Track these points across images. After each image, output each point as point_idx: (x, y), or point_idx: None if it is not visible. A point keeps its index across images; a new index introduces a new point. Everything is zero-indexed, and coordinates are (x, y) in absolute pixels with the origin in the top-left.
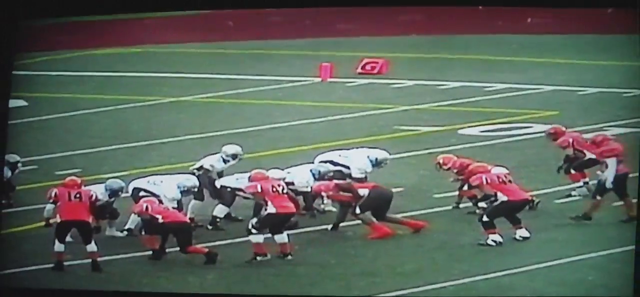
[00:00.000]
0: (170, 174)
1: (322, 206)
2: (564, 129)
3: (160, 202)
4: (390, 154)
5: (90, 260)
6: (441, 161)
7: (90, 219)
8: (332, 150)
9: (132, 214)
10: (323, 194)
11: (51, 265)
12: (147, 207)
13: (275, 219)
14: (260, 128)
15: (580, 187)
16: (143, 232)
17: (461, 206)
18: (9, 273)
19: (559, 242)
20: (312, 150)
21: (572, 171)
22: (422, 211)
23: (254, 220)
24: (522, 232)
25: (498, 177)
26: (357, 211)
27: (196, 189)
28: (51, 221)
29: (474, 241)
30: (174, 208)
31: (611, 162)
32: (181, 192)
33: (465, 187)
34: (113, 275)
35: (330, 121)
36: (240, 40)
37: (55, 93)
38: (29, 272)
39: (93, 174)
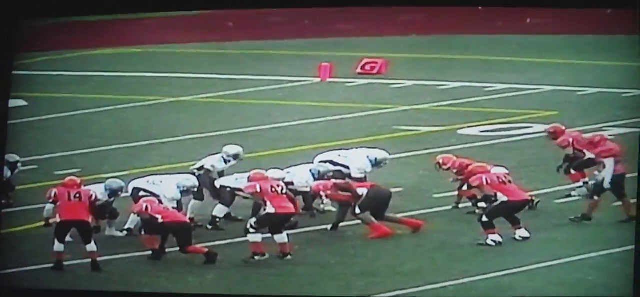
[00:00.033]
0: (170, 174)
1: (322, 206)
2: (563, 128)
3: (160, 202)
4: (389, 154)
5: (90, 260)
6: (441, 161)
7: (90, 219)
8: (332, 150)
9: (132, 214)
10: (322, 193)
11: (51, 265)
12: (146, 207)
13: (274, 219)
14: (260, 128)
15: (580, 187)
16: (143, 232)
17: (461, 206)
18: (8, 273)
19: (558, 242)
20: (311, 150)
21: (572, 171)
22: (422, 211)
23: (253, 220)
24: (521, 233)
25: (498, 178)
26: (357, 210)
27: (196, 189)
28: (51, 220)
29: (473, 241)
30: (173, 208)
31: (609, 162)
32: (181, 192)
33: (465, 187)
34: (113, 275)
35: (329, 121)
36: (240, 41)
37: (55, 93)
38: (28, 272)
39: (93, 174)
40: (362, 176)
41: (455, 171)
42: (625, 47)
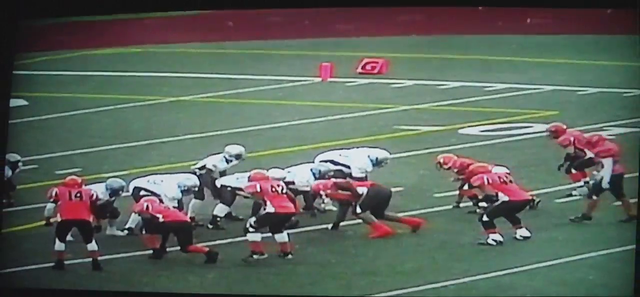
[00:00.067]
0: (171, 173)
1: (323, 205)
2: (564, 127)
3: (161, 201)
4: (390, 154)
5: (90, 259)
6: (441, 161)
7: (90, 218)
8: (333, 150)
9: (133, 213)
10: (322, 192)
11: (52, 264)
12: (147, 207)
13: (274, 218)
14: (260, 128)
15: (581, 186)
16: (143, 232)
17: (461, 205)
18: (9, 272)
19: (559, 241)
20: (312, 150)
21: (573, 171)
22: (423, 211)
23: (252, 219)
24: (522, 232)
25: (499, 178)
26: (358, 210)
27: (197, 189)
28: (52, 220)
29: (474, 240)
30: (174, 207)
31: (607, 162)
32: (181, 191)
33: (466, 187)
34: (113, 274)
35: (330, 121)
36: (240, 40)
37: (55, 93)
38: (29, 271)
39: (93, 173)
40: (363, 175)
41: (455, 170)
42: (625, 47)
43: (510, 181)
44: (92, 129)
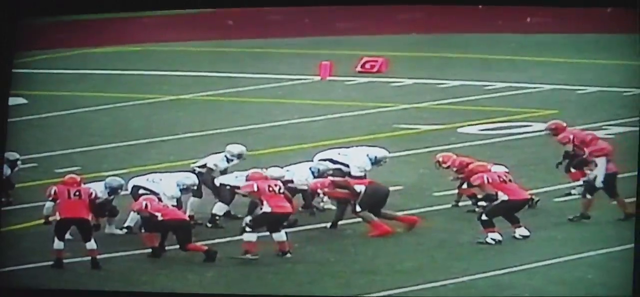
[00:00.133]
0: (170, 172)
1: (322, 204)
2: (564, 124)
3: (160, 200)
4: (389, 153)
5: (89, 258)
6: (441, 159)
7: (89, 217)
8: (332, 148)
9: (132, 212)
10: (319, 191)
11: (50, 263)
12: (146, 205)
13: (270, 218)
14: (260, 126)
15: (580, 185)
16: (142, 230)
17: (461, 204)
18: (8, 271)
19: (558, 240)
20: (311, 148)
21: (572, 170)
22: (422, 209)
23: (248, 218)
24: (521, 231)
25: (499, 177)
26: (358, 208)
27: (195, 187)
28: (51, 218)
29: (473, 239)
30: (173, 206)
31: (600, 161)
32: (181, 190)
33: (465, 186)
34: (112, 273)
35: (329, 119)
36: (239, 39)
37: (55, 91)
38: (28, 269)
39: (92, 171)
40: (362, 174)
41: (455, 169)
42: (625, 45)
43: (510, 180)
44: (92, 127)
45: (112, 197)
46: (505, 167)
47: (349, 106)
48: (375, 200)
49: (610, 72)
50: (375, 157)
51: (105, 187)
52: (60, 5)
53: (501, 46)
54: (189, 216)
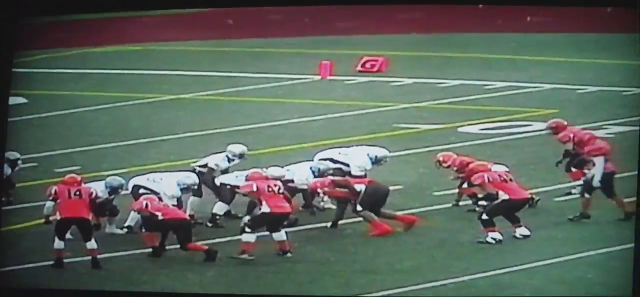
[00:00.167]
0: (170, 171)
1: (322, 204)
2: (565, 123)
3: (160, 199)
4: (389, 152)
5: (90, 257)
6: (441, 159)
7: (90, 217)
8: (332, 147)
9: (132, 211)
10: (319, 190)
11: (51, 262)
12: (146, 205)
13: (269, 218)
14: (260, 126)
15: (580, 185)
16: (143, 230)
17: (461, 203)
18: (8, 270)
19: (558, 240)
20: (311, 148)
21: (573, 169)
22: (422, 209)
23: (247, 218)
24: (522, 230)
25: (499, 176)
26: (358, 208)
27: (196, 187)
28: (51, 218)
29: (473, 238)
30: (173, 205)
31: (598, 160)
32: (181, 189)
33: (465, 185)
34: (113, 272)
35: (330, 119)
36: (240, 38)
37: (55, 90)
38: (28, 269)
39: (93, 171)
40: (362, 173)
41: (455, 168)
42: (625, 45)
43: (510, 180)
44: (92, 127)
45: (112, 196)
46: (506, 166)
47: (349, 106)
48: (376, 199)
49: (611, 71)
50: (376, 156)
51: (106, 187)
52: (60, 5)
53: (501, 45)
54: (190, 216)
